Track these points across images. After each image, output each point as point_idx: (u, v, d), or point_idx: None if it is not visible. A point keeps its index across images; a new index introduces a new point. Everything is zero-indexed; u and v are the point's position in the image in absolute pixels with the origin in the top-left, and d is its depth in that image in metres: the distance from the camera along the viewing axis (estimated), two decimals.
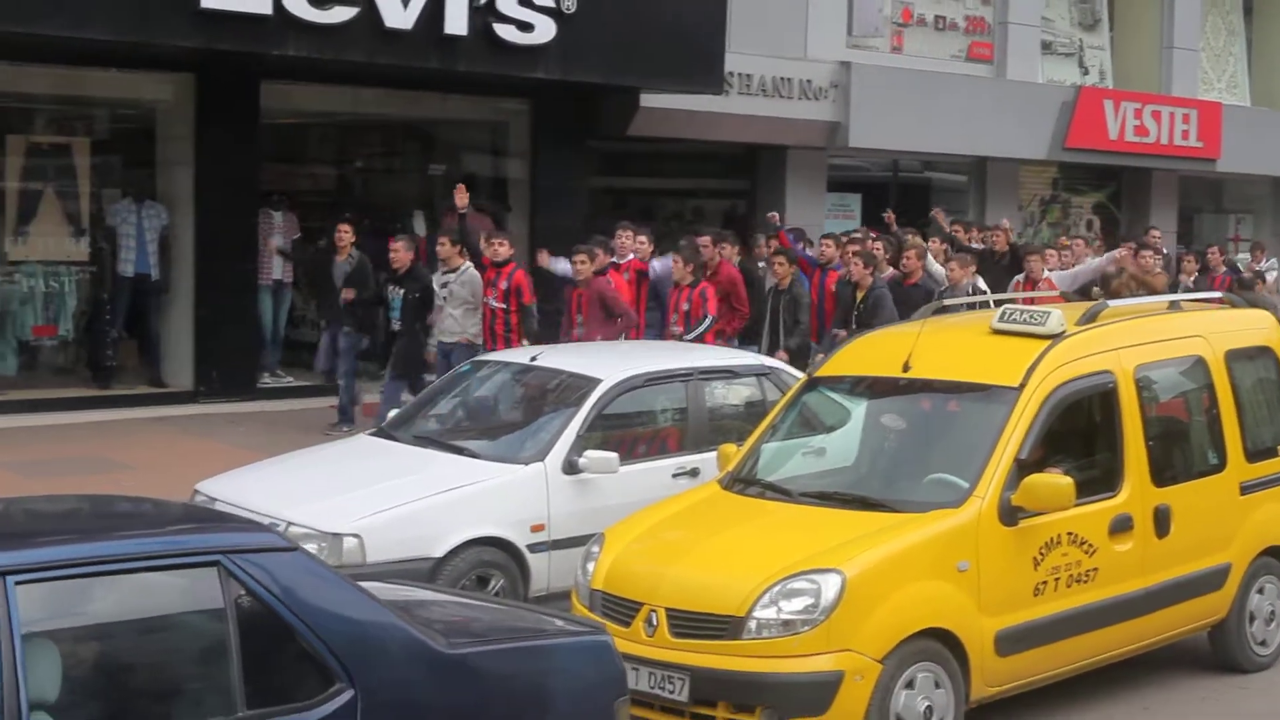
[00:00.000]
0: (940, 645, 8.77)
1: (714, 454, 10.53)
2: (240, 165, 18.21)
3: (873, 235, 18.22)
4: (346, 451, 12.25)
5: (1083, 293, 16.78)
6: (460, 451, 11.42)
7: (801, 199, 22.74)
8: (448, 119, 21.49)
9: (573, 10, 18.28)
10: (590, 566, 9.31)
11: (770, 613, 8.49)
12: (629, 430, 11.76)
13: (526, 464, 11.04)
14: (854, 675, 8.42)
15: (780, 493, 9.71)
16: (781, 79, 22.55)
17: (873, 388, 10.47)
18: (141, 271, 18.18)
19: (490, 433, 12.05)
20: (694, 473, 11.31)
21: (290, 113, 20.01)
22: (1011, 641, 9.05)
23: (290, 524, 10.46)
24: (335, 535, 10.28)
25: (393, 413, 12.69)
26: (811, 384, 10.63)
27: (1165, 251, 20.90)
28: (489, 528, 10.66)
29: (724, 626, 8.58)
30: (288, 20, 16.49)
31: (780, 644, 8.47)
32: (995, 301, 13.70)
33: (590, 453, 11.03)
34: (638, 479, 11.09)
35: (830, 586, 8.47)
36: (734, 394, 12.41)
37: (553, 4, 18.20)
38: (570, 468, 11.02)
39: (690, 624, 8.68)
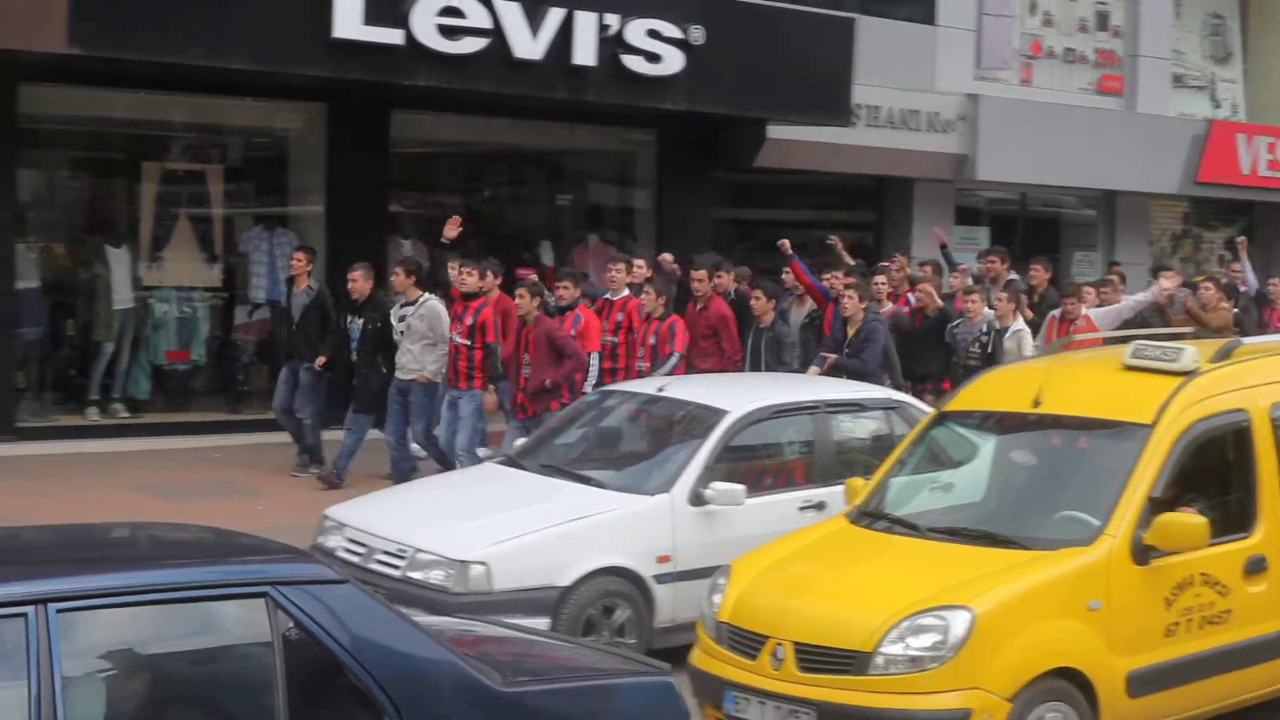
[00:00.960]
0: (1070, 685, 8.66)
1: (841, 488, 10.47)
2: (370, 193, 18.41)
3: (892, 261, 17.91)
4: (474, 479, 12.33)
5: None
6: (587, 481, 11.45)
7: (929, 232, 22.63)
8: (575, 149, 21.60)
9: (701, 42, 18.30)
10: (717, 599, 9.28)
11: (898, 649, 8.43)
12: (755, 462, 11.73)
13: (653, 495, 11.05)
14: (982, 714, 8.33)
15: (908, 528, 9.65)
16: (909, 111, 22.50)
17: (1002, 423, 10.38)
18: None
19: (617, 463, 12.08)
20: (820, 506, 11.26)
21: (420, 142, 20.20)
22: (1143, 682, 8.92)
23: (418, 550, 10.58)
24: (462, 563, 10.36)
25: (520, 441, 12.74)
26: (940, 419, 10.57)
27: (1236, 285, 19.97)
28: (615, 558, 10.67)
29: (851, 662, 8.52)
30: (419, 51, 16.67)
31: (907, 680, 8.40)
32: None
33: (717, 484, 11.02)
34: (764, 511, 11.05)
35: (959, 623, 8.40)
36: (861, 427, 12.36)
37: (681, 35, 18.24)
38: (697, 499, 11.01)
39: (817, 658, 8.63)
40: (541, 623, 10.27)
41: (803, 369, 15.22)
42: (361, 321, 15.70)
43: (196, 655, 6.29)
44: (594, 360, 14.68)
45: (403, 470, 15.02)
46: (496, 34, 17.04)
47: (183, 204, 18.89)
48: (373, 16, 16.33)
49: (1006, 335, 15.36)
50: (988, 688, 8.36)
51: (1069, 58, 25.38)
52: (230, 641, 6.29)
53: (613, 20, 17.75)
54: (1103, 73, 25.65)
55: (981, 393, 10.59)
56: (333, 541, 11.28)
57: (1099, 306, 16.34)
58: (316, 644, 6.12)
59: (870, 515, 9.85)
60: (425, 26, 16.61)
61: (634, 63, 18.01)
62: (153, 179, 18.71)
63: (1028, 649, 8.53)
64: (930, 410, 11.24)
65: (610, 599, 10.64)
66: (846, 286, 15.39)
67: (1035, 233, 24.72)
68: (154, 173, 18.75)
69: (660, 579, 10.81)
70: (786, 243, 16.65)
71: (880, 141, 22.06)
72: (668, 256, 17.27)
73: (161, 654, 6.18)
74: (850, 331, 15.02)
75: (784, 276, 16.89)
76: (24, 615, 5.67)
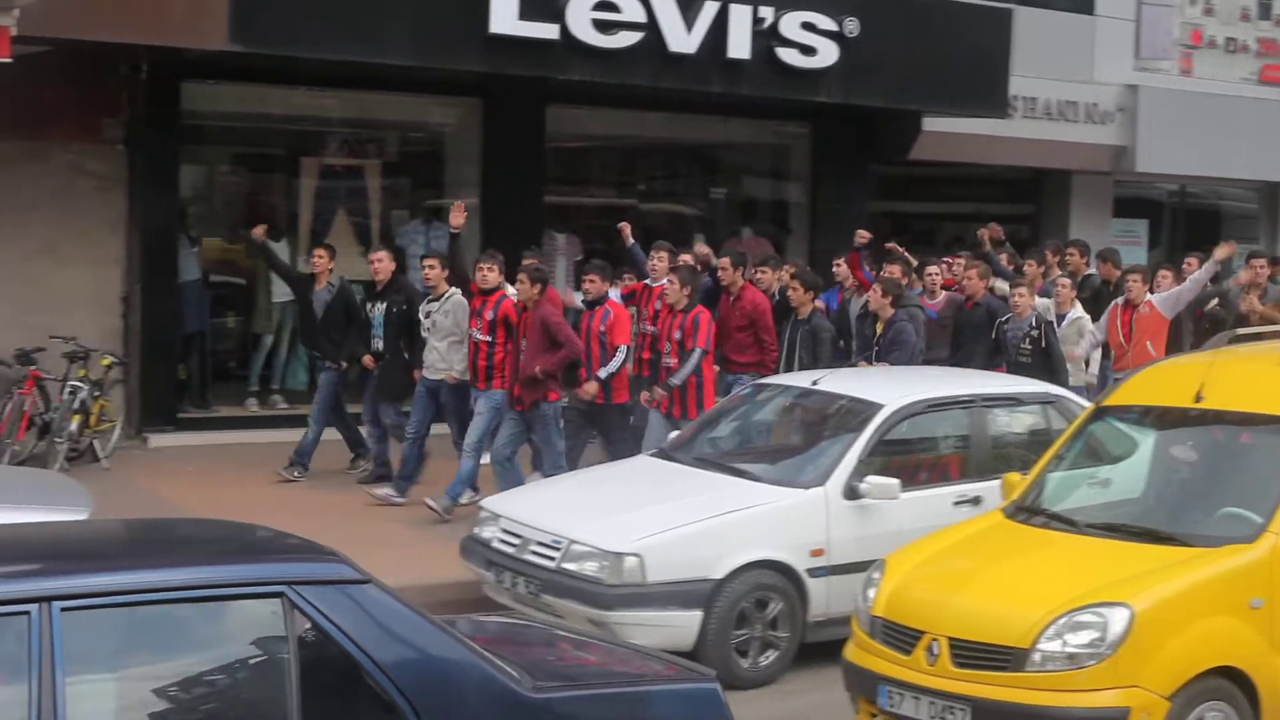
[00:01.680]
0: (1230, 684, 8.50)
1: (997, 482, 10.36)
2: (525, 188, 18.51)
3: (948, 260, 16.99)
4: (629, 471, 12.37)
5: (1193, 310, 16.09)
6: (741, 474, 11.44)
7: (1086, 224, 22.35)
8: (729, 142, 21.58)
9: (855, 34, 18.23)
10: (871, 593, 9.22)
11: (1055, 645, 8.33)
12: (910, 456, 11.68)
13: (807, 488, 11.02)
14: (1140, 712, 8.21)
15: (1066, 523, 9.51)
16: (1066, 102, 22.26)
17: (1162, 418, 10.20)
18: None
19: (771, 456, 12.06)
20: (976, 501, 11.17)
21: (574, 136, 20.27)
22: None
23: (573, 542, 10.64)
24: (617, 554, 10.40)
25: (674, 434, 12.76)
26: (1099, 413, 10.42)
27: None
28: (769, 551, 10.66)
29: (1007, 658, 8.43)
30: (574, 45, 16.76)
31: (1065, 678, 8.30)
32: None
33: (871, 478, 10.97)
34: (918, 506, 10.98)
35: (1118, 620, 8.28)
36: (1018, 422, 12.24)
37: (835, 28, 18.17)
38: (851, 493, 10.96)
39: (973, 654, 8.55)
40: (695, 615, 10.34)
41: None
42: (385, 305, 15.14)
43: (210, 657, 6.04)
44: (620, 354, 14.08)
45: (409, 468, 14.75)
46: (651, 28, 17.09)
47: (340, 199, 19.14)
48: (528, 12, 16.44)
49: (1064, 323, 15.12)
50: (1147, 686, 8.24)
51: (1230, 47, 24.91)
52: (244, 643, 6.05)
53: (767, 13, 17.73)
54: (1265, 62, 25.14)
55: (1142, 387, 10.43)
56: (488, 532, 11.38)
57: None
58: (335, 646, 5.90)
59: (1027, 510, 9.73)
60: (580, 21, 16.70)
61: (789, 55, 17.97)
62: (311, 174, 18.98)
63: (1188, 647, 8.40)
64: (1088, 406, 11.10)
65: (764, 592, 10.63)
66: (875, 280, 14.99)
67: (1195, 226, 24.32)
68: (312, 168, 19.02)
69: (814, 573, 10.78)
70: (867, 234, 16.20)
71: (1037, 133, 21.83)
72: (703, 248, 16.68)
73: (170, 656, 5.96)
74: (879, 329, 14.52)
75: (835, 269, 16.62)
76: (27, 614, 5.52)
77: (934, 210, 23.60)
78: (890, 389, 11.89)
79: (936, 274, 16.26)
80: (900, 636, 8.89)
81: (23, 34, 13.94)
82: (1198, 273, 15.93)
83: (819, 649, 10.56)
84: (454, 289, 14.63)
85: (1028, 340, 14.62)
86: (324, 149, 19.32)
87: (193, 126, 17.61)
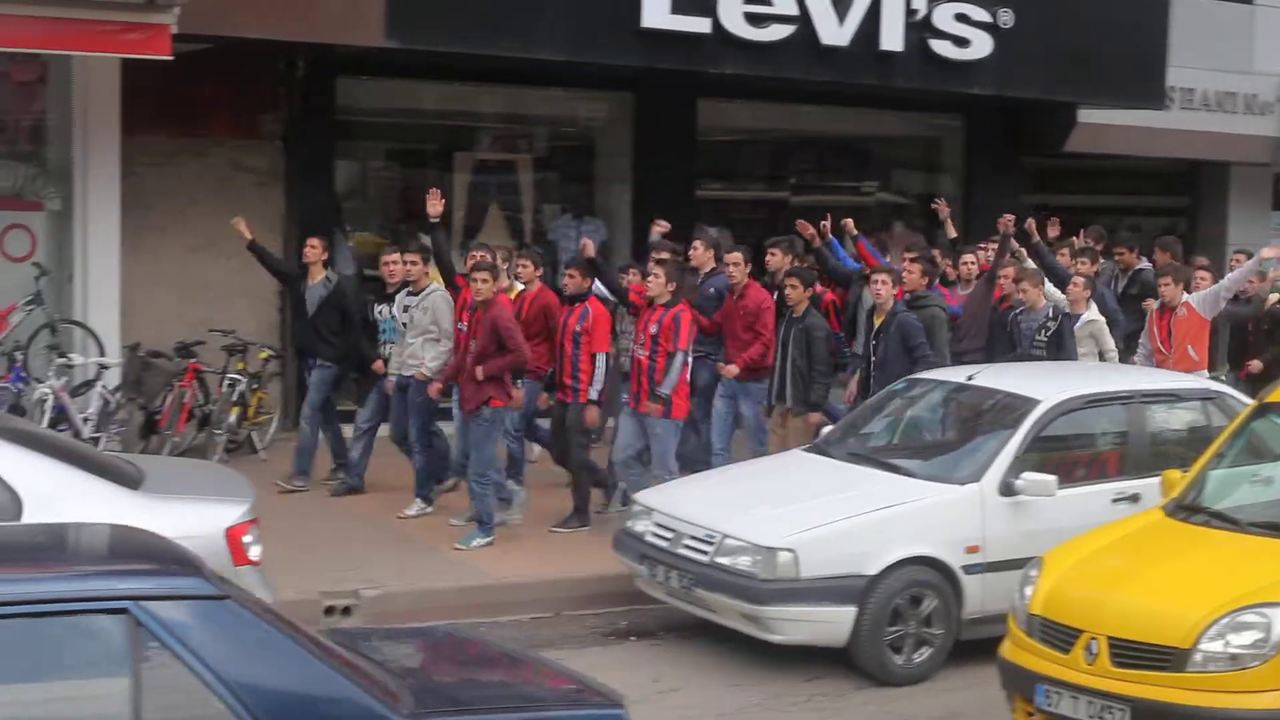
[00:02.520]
0: None
1: (1156, 480, 10.19)
2: (677, 182, 18.53)
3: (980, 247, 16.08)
4: (781, 466, 12.34)
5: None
6: (895, 469, 11.39)
7: (1244, 218, 22.00)
8: (880, 135, 21.47)
9: (1010, 25, 18.05)
10: (1028, 591, 9.13)
11: (1217, 646, 8.21)
12: (1067, 453, 11.53)
13: (962, 484, 10.92)
14: None
15: (1228, 522, 9.35)
16: (1225, 93, 21.87)
17: None
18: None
19: (925, 452, 11.98)
20: (1134, 498, 10.99)
21: (725, 129, 20.26)
22: None
23: (726, 536, 10.65)
24: (770, 549, 10.39)
25: (827, 428, 12.71)
26: (1261, 410, 10.24)
27: None
28: (923, 547, 10.59)
29: (1168, 658, 8.32)
30: (726, 39, 16.75)
31: (1227, 679, 8.18)
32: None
33: (1028, 475, 10.85)
34: (1075, 503, 10.83)
35: None
36: (1177, 418, 12.04)
37: (989, 19, 18.02)
38: (1007, 489, 10.85)
39: (1132, 654, 8.45)
40: (848, 611, 10.30)
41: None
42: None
43: (44, 679, 5.59)
44: (600, 362, 13.37)
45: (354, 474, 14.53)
46: (803, 20, 17.03)
47: (492, 194, 19.26)
48: (680, 5, 16.46)
49: (1078, 325, 14.09)
50: None
51: None
52: (82, 664, 5.60)
53: (920, 4, 17.62)
54: None
55: None
56: (641, 526, 11.42)
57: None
58: (184, 669, 5.50)
59: (1188, 509, 9.57)
60: (732, 14, 16.68)
61: (942, 47, 17.84)
62: (464, 169, 19.12)
63: None
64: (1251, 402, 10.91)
65: (918, 589, 10.57)
66: (874, 271, 14.10)
67: None
68: (465, 163, 19.16)
69: (969, 569, 10.69)
70: (850, 222, 16.04)
71: (1195, 125, 21.46)
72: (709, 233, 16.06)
73: (2, 676, 5.52)
74: (877, 321, 13.72)
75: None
76: None
77: (1088, 203, 23.23)
78: (1047, 384, 11.75)
79: (972, 262, 15.56)
80: (1058, 635, 8.80)
81: (183, 32, 14.21)
82: (1237, 271, 15.15)
83: (973, 647, 10.47)
84: (434, 285, 14.07)
85: (1043, 332, 14.00)
86: (476, 144, 19.45)
87: (348, 122, 17.83)
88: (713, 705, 10.13)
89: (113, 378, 15.04)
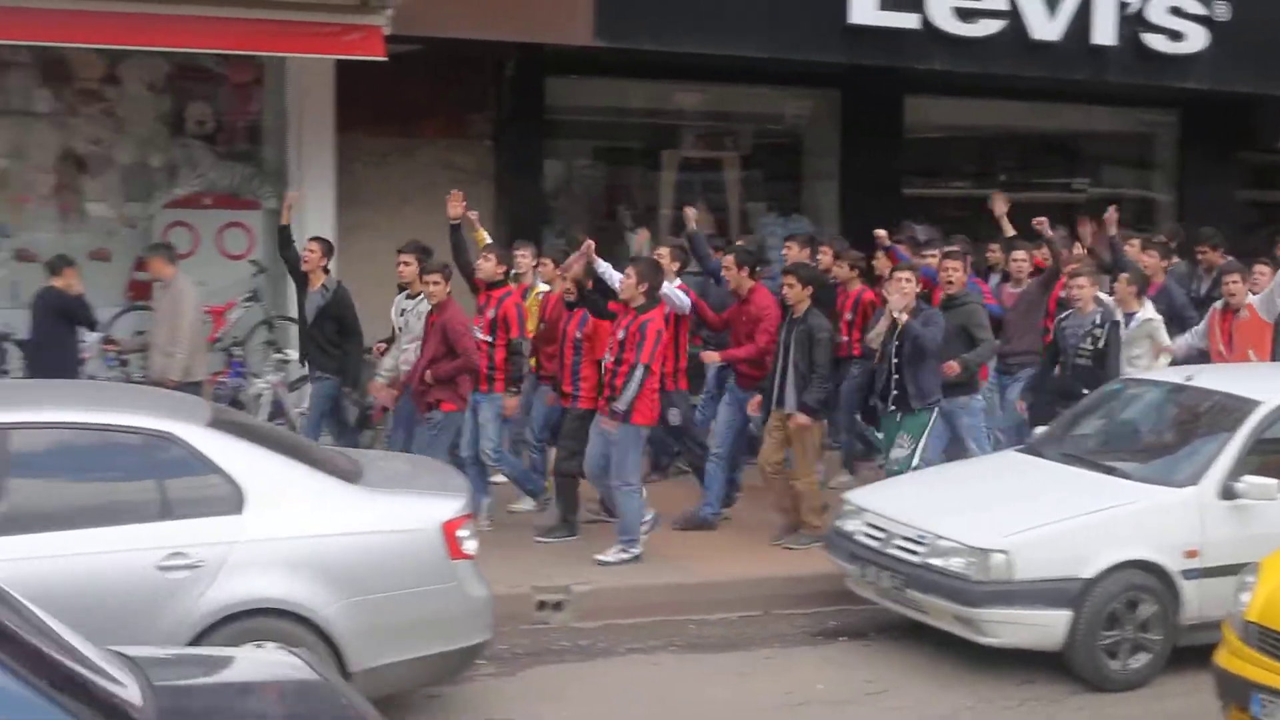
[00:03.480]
0: None
1: None
2: (883, 179, 18.42)
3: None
4: (994, 467, 12.20)
5: None
6: (1110, 471, 11.17)
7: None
8: (1091, 131, 21.14)
9: (1226, 18, 17.68)
10: (1245, 597, 8.86)
11: None
12: None
13: (1180, 487, 10.69)
14: None
15: None
16: None
17: None
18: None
19: (1141, 454, 11.73)
20: None
21: (932, 126, 20.08)
22: None
23: (938, 537, 10.57)
24: (983, 550, 10.28)
25: (1040, 429, 12.54)
26: None
27: None
28: (1140, 551, 10.38)
29: None
30: (934, 35, 16.64)
31: None
32: None
33: (1249, 478, 10.57)
34: None
35: None
36: None
37: (1204, 11, 17.67)
38: (1227, 493, 10.59)
39: None
40: (1063, 615, 10.16)
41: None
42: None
43: None
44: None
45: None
46: (1013, 15, 16.86)
47: (698, 191, 19.28)
48: (888, 2, 16.40)
49: (1134, 325, 13.24)
50: None
51: None
52: None
53: None
54: None
55: None
56: (851, 525, 11.37)
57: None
58: None
59: None
60: (941, 10, 16.57)
61: (1155, 41, 17.54)
62: (670, 167, 19.20)
63: None
64: None
65: (1135, 593, 10.37)
66: (895, 270, 13.24)
67: None
68: (671, 161, 19.23)
69: (1187, 574, 10.45)
70: (883, 233, 15.01)
71: None
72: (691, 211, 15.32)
73: None
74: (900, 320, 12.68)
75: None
76: None
77: None
78: (1269, 385, 11.46)
79: (1024, 259, 14.73)
80: (1276, 643, 8.53)
81: (396, 33, 14.44)
82: None
83: (1191, 653, 10.24)
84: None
85: (1089, 339, 12.99)
86: (682, 142, 19.50)
87: (556, 121, 17.96)
88: (923, 707, 10.05)
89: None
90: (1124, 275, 13.77)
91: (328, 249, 14.06)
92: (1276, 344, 13.71)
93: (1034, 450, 11.94)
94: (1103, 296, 13.59)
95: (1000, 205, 15.81)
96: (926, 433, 12.59)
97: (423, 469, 10.77)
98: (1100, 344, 12.92)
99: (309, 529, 8.87)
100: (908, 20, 16.51)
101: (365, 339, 14.04)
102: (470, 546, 9.24)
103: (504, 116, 17.31)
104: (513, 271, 13.71)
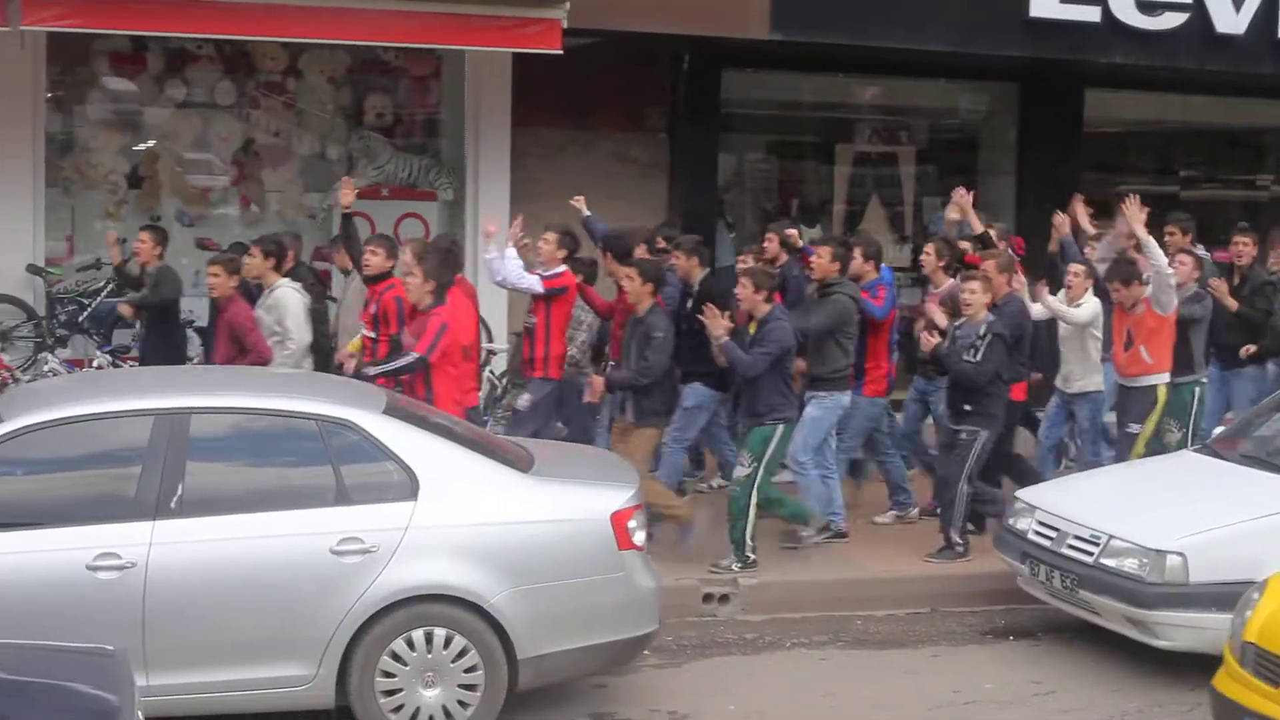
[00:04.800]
0: None
1: None
2: (1063, 175, 18.14)
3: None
4: (1171, 468, 11.99)
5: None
6: None
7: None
8: (1275, 127, 20.70)
9: None
10: (1247, 614, 8.37)
11: None
12: None
13: None
14: None
15: None
16: None
17: None
18: None
19: None
20: None
21: (1112, 120, 19.78)
22: None
23: (1112, 537, 10.44)
24: (1158, 552, 10.15)
25: (1218, 430, 12.31)
26: None
27: None
28: None
29: None
30: (1116, 28, 16.36)
31: None
32: None
33: None
34: None
35: None
36: None
37: None
38: None
39: None
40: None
41: None
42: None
43: None
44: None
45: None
46: (1197, 8, 16.53)
47: (872, 185, 19.19)
48: None
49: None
50: None
51: None
52: None
53: None
54: None
55: None
56: (1023, 524, 11.28)
57: None
58: None
59: None
60: (1124, 3, 16.29)
61: None
62: (845, 161, 19.11)
63: None
64: None
65: None
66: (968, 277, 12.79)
67: None
68: (846, 155, 19.14)
69: None
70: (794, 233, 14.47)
71: None
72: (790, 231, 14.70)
73: None
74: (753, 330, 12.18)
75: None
76: None
77: None
78: None
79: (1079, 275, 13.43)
80: (1271, 666, 8.04)
81: (572, 26, 14.52)
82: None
83: None
84: (280, 280, 13.03)
85: (971, 351, 12.28)
86: (857, 136, 19.39)
87: (731, 114, 17.95)
88: (1092, 710, 9.93)
89: (500, 363, 15.45)
90: (1075, 268, 13.34)
91: (160, 238, 14.08)
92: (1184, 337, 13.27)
93: (1212, 451, 11.74)
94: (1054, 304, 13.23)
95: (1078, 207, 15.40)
96: (770, 449, 11.97)
97: (593, 459, 10.83)
98: (977, 356, 12.22)
99: (481, 517, 8.98)
100: (1089, 13, 16.25)
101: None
102: (639, 537, 9.29)
103: (679, 110, 17.33)
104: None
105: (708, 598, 11.65)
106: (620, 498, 9.30)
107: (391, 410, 9.38)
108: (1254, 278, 14.96)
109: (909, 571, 12.29)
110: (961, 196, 14.37)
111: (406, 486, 8.90)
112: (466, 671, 8.84)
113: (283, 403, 9.21)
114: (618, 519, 9.16)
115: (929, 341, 12.37)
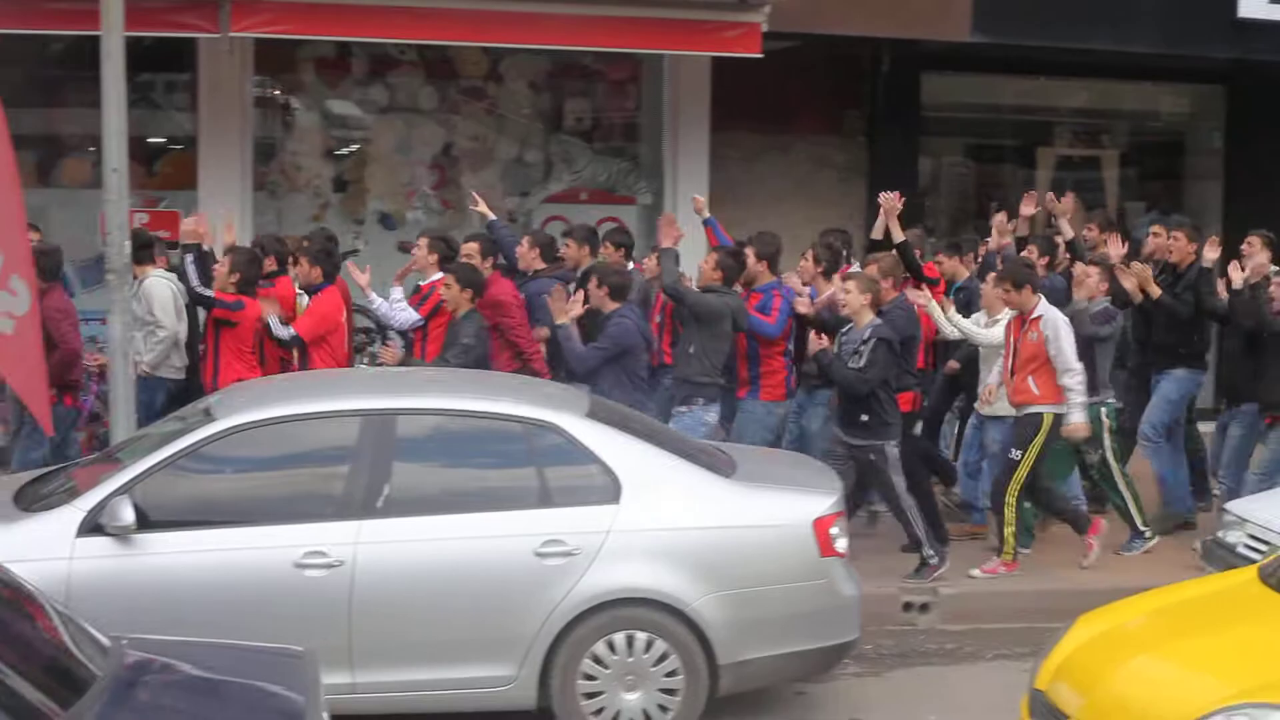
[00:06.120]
0: None
1: None
2: (1273, 179, 17.77)
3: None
4: None
5: None
6: None
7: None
8: None
9: None
10: (1042, 659, 7.81)
11: None
12: None
13: None
14: None
15: None
16: None
17: None
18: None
19: None
20: None
21: None
22: None
23: None
24: None
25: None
26: None
27: None
28: None
29: None
30: None
31: None
32: None
33: None
34: None
35: None
36: None
37: None
38: None
39: None
40: None
41: None
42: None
43: None
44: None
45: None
46: None
47: (1072, 189, 18.87)
48: None
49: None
50: None
51: None
52: None
53: None
54: None
55: None
56: (1233, 537, 11.01)
57: None
58: None
59: None
60: None
61: None
62: (1045, 164, 18.86)
63: None
64: None
65: None
66: (846, 278, 12.08)
67: None
68: (1046, 158, 18.90)
69: None
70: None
71: None
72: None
73: None
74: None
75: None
76: None
77: None
78: None
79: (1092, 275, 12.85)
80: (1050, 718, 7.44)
81: (772, 29, 14.50)
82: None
83: None
84: (151, 269, 12.76)
85: (856, 357, 11.52)
86: (1057, 139, 19.15)
87: (930, 118, 17.82)
88: None
89: None
90: (991, 274, 12.44)
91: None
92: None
93: None
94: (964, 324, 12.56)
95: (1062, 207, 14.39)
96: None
97: (793, 465, 10.77)
98: (862, 362, 11.47)
99: (683, 521, 8.97)
100: None
101: None
102: (841, 544, 9.23)
103: (878, 113, 17.24)
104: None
105: (908, 606, 11.54)
106: (823, 504, 9.24)
107: (594, 413, 9.41)
108: (1189, 274, 13.43)
109: (1113, 584, 11.97)
110: (889, 202, 13.11)
111: (609, 489, 8.92)
112: (667, 675, 8.84)
113: (487, 405, 9.29)
114: (820, 525, 9.10)
115: (817, 343, 11.69)
